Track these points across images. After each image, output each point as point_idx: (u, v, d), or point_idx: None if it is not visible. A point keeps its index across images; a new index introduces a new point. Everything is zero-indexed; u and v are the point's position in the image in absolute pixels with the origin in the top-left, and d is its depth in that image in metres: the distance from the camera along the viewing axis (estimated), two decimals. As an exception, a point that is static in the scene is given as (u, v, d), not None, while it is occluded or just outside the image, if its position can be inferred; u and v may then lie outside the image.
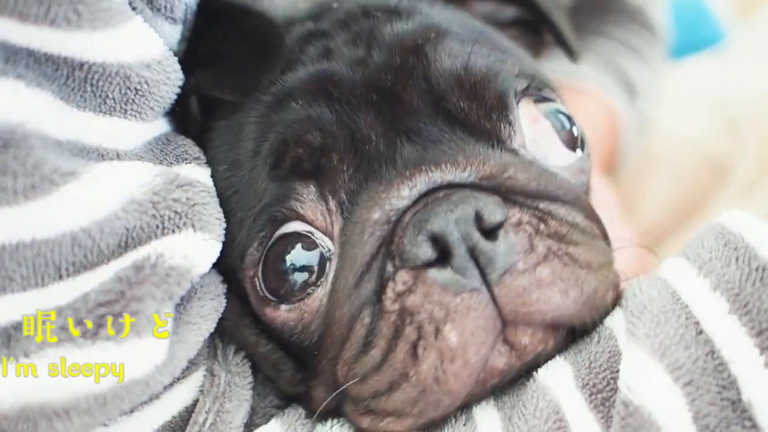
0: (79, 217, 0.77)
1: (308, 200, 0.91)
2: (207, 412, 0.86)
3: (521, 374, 0.87)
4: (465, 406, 0.88)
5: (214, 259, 0.88)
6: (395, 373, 0.84)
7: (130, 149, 0.87)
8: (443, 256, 0.84)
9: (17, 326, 0.75)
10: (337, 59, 0.97)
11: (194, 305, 0.87)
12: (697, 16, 2.35)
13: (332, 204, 0.91)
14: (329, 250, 0.91)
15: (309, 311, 0.92)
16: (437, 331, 0.82)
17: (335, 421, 0.93)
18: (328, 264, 0.91)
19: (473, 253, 0.83)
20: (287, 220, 0.91)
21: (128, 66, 0.83)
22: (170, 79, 0.89)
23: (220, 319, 0.95)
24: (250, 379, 0.94)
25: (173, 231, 0.83)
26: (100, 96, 0.82)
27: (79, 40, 0.78)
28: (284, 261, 0.91)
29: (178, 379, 0.86)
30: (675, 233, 1.68)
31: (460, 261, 0.83)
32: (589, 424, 0.79)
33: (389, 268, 0.86)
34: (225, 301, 0.93)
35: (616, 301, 0.90)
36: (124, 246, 0.79)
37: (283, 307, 0.93)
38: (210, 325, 0.89)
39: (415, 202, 0.87)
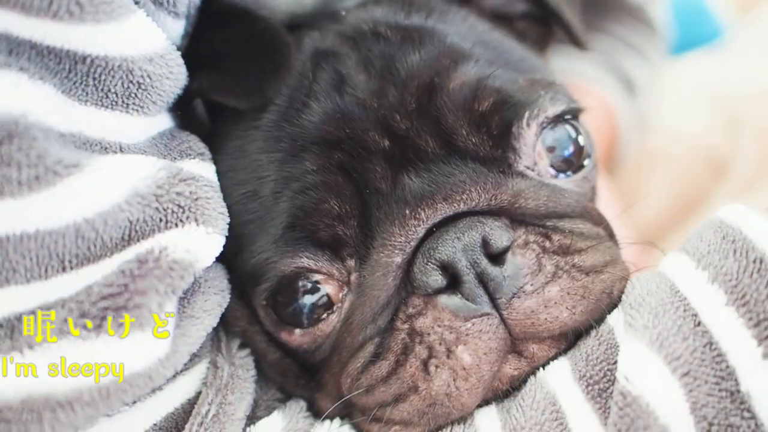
0: (82, 209, 0.77)
1: (323, 260, 0.91)
2: (210, 404, 0.87)
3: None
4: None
5: (217, 253, 0.88)
6: (403, 386, 0.87)
7: (133, 143, 0.87)
8: (453, 281, 0.86)
9: (21, 318, 0.75)
10: (349, 92, 0.95)
11: (198, 300, 0.87)
12: (695, 12, 2.35)
13: (349, 262, 0.92)
14: (345, 293, 0.93)
15: (322, 335, 0.94)
16: (449, 352, 0.84)
17: (337, 420, 0.95)
18: (342, 295, 0.93)
19: (482, 278, 0.86)
20: (301, 273, 0.92)
21: (131, 59, 0.83)
22: (173, 74, 0.89)
23: (230, 324, 0.97)
24: (253, 371, 0.95)
25: (176, 225, 0.83)
26: (102, 90, 0.82)
27: (82, 33, 0.78)
28: (296, 300, 0.93)
29: (181, 371, 0.86)
30: (674, 230, 1.68)
31: (469, 287, 0.85)
32: (587, 414, 0.80)
33: (403, 294, 0.89)
34: (229, 295, 0.94)
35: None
36: (128, 239, 0.79)
37: (298, 331, 0.95)
38: (213, 320, 0.90)
39: (428, 232, 0.89)
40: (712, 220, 0.87)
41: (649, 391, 0.75)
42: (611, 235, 0.99)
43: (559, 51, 1.35)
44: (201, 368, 0.90)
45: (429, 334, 0.86)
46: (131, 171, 0.82)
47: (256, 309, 0.97)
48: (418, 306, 0.87)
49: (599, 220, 0.98)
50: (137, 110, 0.86)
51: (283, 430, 0.90)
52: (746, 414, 0.74)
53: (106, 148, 0.83)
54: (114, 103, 0.84)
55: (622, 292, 0.90)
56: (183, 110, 0.98)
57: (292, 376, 0.99)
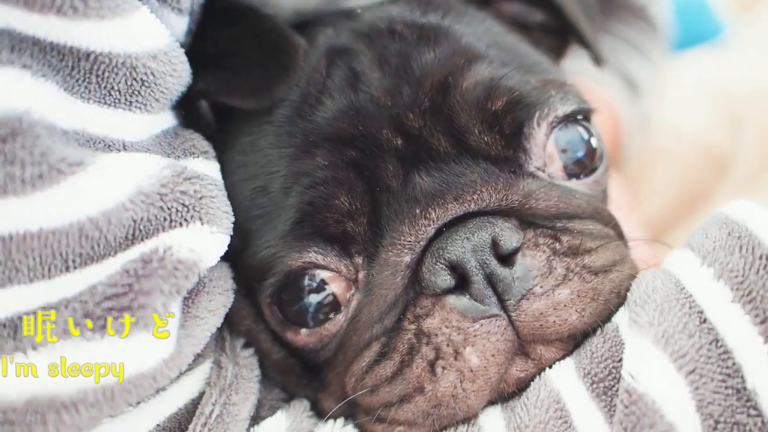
0: (86, 208, 0.76)
1: (331, 256, 0.91)
2: (213, 404, 0.86)
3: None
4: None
5: (221, 253, 0.88)
6: (408, 387, 0.86)
7: (136, 141, 0.86)
8: (462, 282, 0.86)
9: (23, 318, 0.74)
10: (363, 89, 0.95)
11: (202, 300, 0.87)
12: (696, 10, 2.35)
13: (357, 258, 0.92)
14: (352, 292, 0.93)
15: (328, 334, 0.94)
16: (457, 353, 0.84)
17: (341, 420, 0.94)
18: (349, 294, 0.93)
19: (491, 279, 0.85)
20: (308, 268, 0.92)
21: (135, 56, 0.82)
22: (176, 71, 0.88)
23: (235, 323, 0.97)
24: (257, 371, 0.95)
25: (181, 224, 0.82)
26: (105, 87, 0.82)
27: (86, 29, 0.78)
28: (301, 299, 0.93)
29: (185, 371, 0.86)
30: (676, 227, 1.68)
31: (478, 288, 0.85)
32: (592, 412, 0.80)
33: (411, 294, 0.88)
34: (233, 295, 0.93)
35: None
36: (132, 238, 0.79)
37: (304, 331, 0.95)
38: (217, 320, 0.89)
39: (438, 232, 0.88)
40: (717, 217, 0.86)
41: (655, 388, 0.75)
42: (620, 235, 0.99)
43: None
44: (205, 368, 0.89)
45: (436, 335, 0.85)
46: (135, 169, 0.81)
47: (262, 308, 0.96)
48: (426, 306, 0.87)
49: (609, 221, 0.98)
50: (140, 108, 0.85)
51: (287, 430, 0.90)
52: (752, 411, 0.74)
53: (109, 146, 0.83)
54: (117, 101, 0.83)
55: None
56: (187, 110, 0.98)
57: (295, 376, 0.99)
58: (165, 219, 0.81)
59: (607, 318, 0.88)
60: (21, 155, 0.72)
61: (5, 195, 0.72)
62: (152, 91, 0.85)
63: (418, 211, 0.89)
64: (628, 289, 0.89)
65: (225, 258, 0.93)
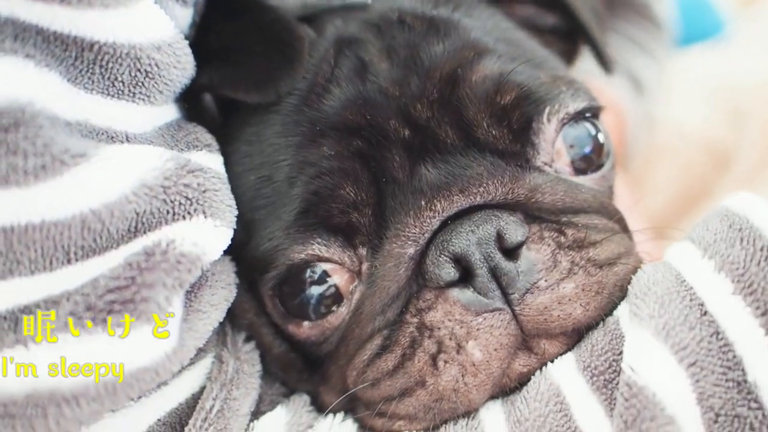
0: (89, 200, 0.76)
1: (335, 247, 0.91)
2: (214, 399, 0.86)
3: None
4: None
5: (224, 246, 0.88)
6: (410, 380, 0.86)
7: (139, 133, 0.86)
8: (466, 275, 0.86)
9: (25, 310, 0.74)
10: (372, 79, 0.95)
11: (205, 294, 0.86)
12: (698, 6, 2.35)
13: (361, 250, 0.92)
14: (355, 284, 0.92)
15: (330, 327, 0.94)
16: (459, 347, 0.84)
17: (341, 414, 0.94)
18: (352, 287, 0.93)
19: (495, 273, 0.85)
20: (311, 261, 0.91)
21: (139, 47, 0.82)
22: (180, 63, 0.88)
23: (237, 316, 0.97)
24: (258, 366, 0.95)
25: (184, 217, 0.82)
26: (108, 78, 0.81)
27: (90, 19, 0.77)
28: (303, 291, 0.93)
29: (186, 366, 0.86)
30: (678, 222, 1.67)
31: (482, 281, 0.85)
32: (592, 406, 0.79)
33: (414, 287, 0.88)
34: (236, 289, 0.93)
35: None
36: (134, 231, 0.78)
37: (306, 324, 0.94)
38: (220, 315, 0.89)
39: (442, 224, 0.88)
40: (718, 209, 0.86)
41: (656, 381, 0.74)
42: (625, 228, 0.99)
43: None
44: (206, 363, 0.89)
45: (439, 328, 0.85)
46: (139, 162, 0.81)
47: (264, 300, 0.96)
48: (429, 299, 0.86)
49: (614, 215, 0.97)
50: (144, 99, 0.85)
51: (286, 425, 0.90)
52: (753, 404, 0.74)
53: (112, 138, 0.83)
54: (120, 92, 0.83)
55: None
56: (190, 103, 0.97)
57: (296, 370, 0.99)
58: (168, 212, 0.81)
59: (611, 312, 0.88)
60: (24, 146, 0.72)
61: (7, 186, 0.72)
62: (156, 82, 0.85)
63: (423, 202, 0.88)
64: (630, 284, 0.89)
65: (228, 250, 0.93)
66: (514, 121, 0.93)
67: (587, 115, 0.99)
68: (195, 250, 0.81)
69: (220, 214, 0.86)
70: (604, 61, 1.23)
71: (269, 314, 0.97)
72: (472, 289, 0.85)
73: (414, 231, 0.88)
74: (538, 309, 0.84)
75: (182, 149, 0.90)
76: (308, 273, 0.92)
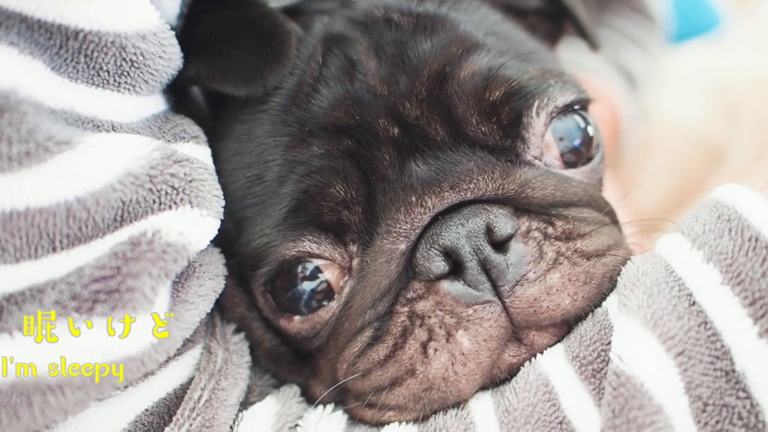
0: (74, 187, 0.75)
1: (326, 244, 0.91)
2: (202, 389, 0.86)
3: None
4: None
5: (211, 236, 0.87)
6: (400, 369, 0.86)
7: (126, 122, 0.86)
8: (456, 268, 0.86)
9: (9, 298, 0.74)
10: (360, 78, 0.95)
11: (192, 284, 0.86)
12: (693, 2, 2.35)
13: (352, 247, 0.92)
14: (346, 279, 0.93)
15: (321, 321, 0.94)
16: (449, 335, 0.84)
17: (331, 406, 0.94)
18: (342, 282, 0.93)
19: (485, 266, 0.85)
20: (302, 257, 0.92)
21: (124, 36, 0.82)
22: (166, 53, 0.88)
23: (228, 310, 0.97)
24: (247, 357, 0.95)
25: (170, 207, 0.81)
26: (93, 68, 0.81)
27: (74, 6, 0.77)
28: (294, 286, 0.93)
29: (174, 356, 0.86)
30: (672, 218, 1.67)
31: (472, 274, 0.85)
32: (580, 395, 0.79)
33: (404, 281, 0.88)
34: (224, 281, 0.93)
35: None
36: (120, 220, 0.78)
37: (297, 318, 0.95)
38: (207, 306, 0.89)
39: (433, 220, 0.88)
40: (708, 200, 0.86)
41: (643, 370, 0.74)
42: (615, 221, 0.99)
43: (561, 43, 1.34)
44: (194, 353, 0.89)
45: (429, 317, 0.85)
46: (124, 150, 0.81)
47: (255, 295, 0.96)
48: (419, 290, 0.87)
49: (604, 207, 0.98)
50: (129, 89, 0.85)
51: (276, 415, 0.90)
52: (741, 394, 0.73)
53: (98, 126, 0.82)
54: (105, 81, 0.82)
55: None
56: (177, 96, 0.97)
57: (286, 364, 0.99)
58: (154, 201, 0.80)
59: (600, 303, 0.88)
60: (8, 132, 0.72)
61: None
62: (141, 72, 0.85)
63: (413, 198, 0.88)
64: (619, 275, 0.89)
65: (219, 245, 0.93)
66: (504, 117, 0.93)
67: (576, 107, 0.99)
68: (181, 239, 0.81)
69: (206, 204, 0.85)
70: (590, 41, 1.23)
71: (260, 309, 0.97)
72: (462, 282, 0.85)
73: (405, 227, 0.88)
74: (528, 301, 0.85)
75: (169, 140, 0.90)
76: (300, 269, 0.92)
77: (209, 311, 0.90)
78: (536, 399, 0.81)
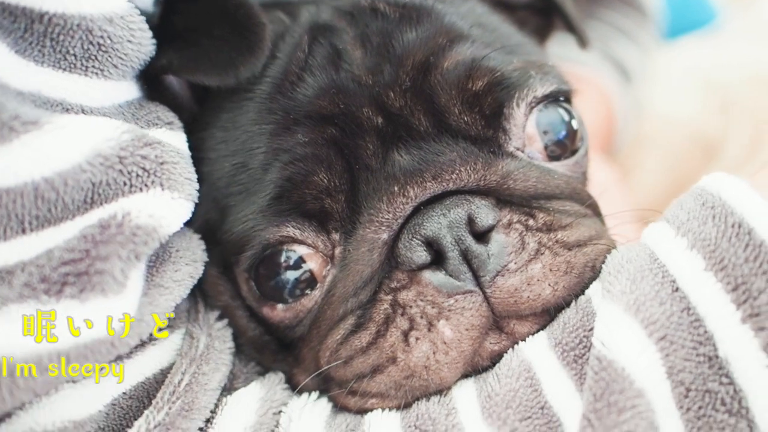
0: (41, 167, 0.74)
1: (309, 231, 0.91)
2: (183, 374, 0.86)
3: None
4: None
5: (184, 219, 0.87)
6: (381, 357, 0.86)
7: (96, 107, 0.85)
8: (438, 258, 0.86)
9: None
10: (345, 67, 0.94)
11: (167, 269, 0.86)
12: (689, -4, 2.35)
13: (334, 235, 0.92)
14: (328, 268, 0.92)
15: (304, 310, 0.94)
16: (431, 325, 0.84)
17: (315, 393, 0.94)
18: (325, 270, 0.93)
19: (466, 256, 0.85)
20: (285, 242, 0.91)
21: (90, 18, 0.81)
22: (135, 37, 0.86)
23: (213, 298, 0.97)
24: (230, 343, 0.94)
25: (141, 189, 0.81)
26: (60, 52, 0.80)
27: None
28: (278, 274, 0.93)
29: (152, 341, 0.85)
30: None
31: (454, 264, 0.85)
32: (562, 381, 0.79)
33: (386, 270, 0.88)
34: (203, 267, 0.93)
35: None
36: (90, 202, 0.77)
37: (280, 306, 0.94)
38: (183, 291, 0.88)
39: (415, 210, 0.88)
40: (694, 189, 0.86)
41: (625, 355, 0.74)
42: (597, 213, 0.99)
43: (555, 38, 1.34)
44: (176, 339, 0.89)
45: (411, 306, 0.85)
46: (94, 131, 0.80)
47: (239, 284, 0.96)
48: (403, 280, 0.87)
49: (586, 200, 0.97)
50: (97, 74, 0.84)
51: (260, 400, 0.89)
52: (724, 380, 0.73)
53: (67, 109, 0.81)
54: (72, 65, 0.82)
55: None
56: (151, 84, 0.96)
57: (270, 352, 0.99)
58: (125, 183, 0.79)
59: (582, 292, 0.87)
60: None
61: None
62: (110, 56, 0.84)
63: (396, 188, 0.88)
64: (603, 263, 0.88)
65: (203, 234, 0.93)
66: (486, 107, 0.93)
67: (559, 99, 0.99)
68: (151, 221, 0.80)
69: (178, 187, 0.85)
70: (579, 36, 1.23)
71: (244, 297, 0.97)
72: (444, 272, 0.85)
73: (387, 216, 0.88)
74: (509, 291, 0.85)
75: (142, 126, 0.89)
76: (284, 257, 0.92)
77: (187, 296, 0.89)
78: (518, 384, 0.80)
